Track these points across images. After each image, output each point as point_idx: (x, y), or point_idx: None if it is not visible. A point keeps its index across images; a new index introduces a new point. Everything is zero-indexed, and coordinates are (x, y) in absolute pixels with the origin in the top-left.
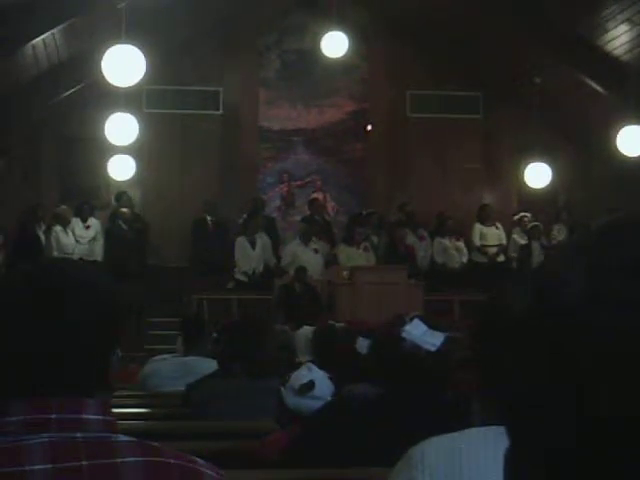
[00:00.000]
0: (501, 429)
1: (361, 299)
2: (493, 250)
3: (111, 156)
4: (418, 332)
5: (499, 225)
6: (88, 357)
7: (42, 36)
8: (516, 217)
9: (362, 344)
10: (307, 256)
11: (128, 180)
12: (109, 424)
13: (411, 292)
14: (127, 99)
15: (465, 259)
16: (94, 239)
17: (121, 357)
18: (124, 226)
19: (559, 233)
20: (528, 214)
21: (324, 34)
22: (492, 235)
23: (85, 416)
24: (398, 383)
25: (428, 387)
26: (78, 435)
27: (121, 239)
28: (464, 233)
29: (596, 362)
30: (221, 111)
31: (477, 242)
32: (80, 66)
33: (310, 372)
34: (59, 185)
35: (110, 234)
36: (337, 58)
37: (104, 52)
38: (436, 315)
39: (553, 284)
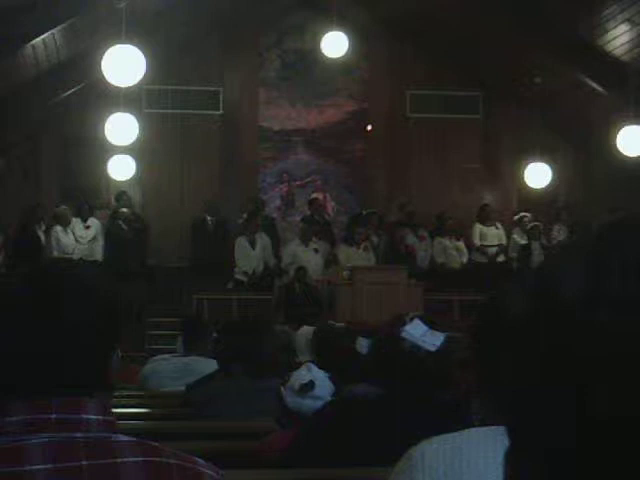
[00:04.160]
0: (501, 429)
1: (361, 299)
2: (493, 250)
3: (111, 156)
4: (418, 332)
5: (499, 225)
6: (88, 357)
7: (42, 36)
8: (516, 217)
9: (362, 344)
10: (307, 256)
11: (128, 180)
12: (109, 424)
13: (411, 292)
14: (127, 99)
15: (465, 259)
16: (94, 239)
17: (121, 357)
18: (124, 226)
19: (559, 233)
20: (528, 214)
21: (324, 34)
22: (492, 235)
23: (85, 416)
24: (398, 383)
25: (428, 387)
26: (78, 435)
27: (121, 239)
28: (464, 233)
29: (596, 362)
30: (221, 111)
31: (477, 242)
32: (80, 66)
33: (310, 372)
34: (59, 185)
35: (110, 234)
36: (337, 58)
37: (104, 52)
38: (436, 315)
39: (553, 284)
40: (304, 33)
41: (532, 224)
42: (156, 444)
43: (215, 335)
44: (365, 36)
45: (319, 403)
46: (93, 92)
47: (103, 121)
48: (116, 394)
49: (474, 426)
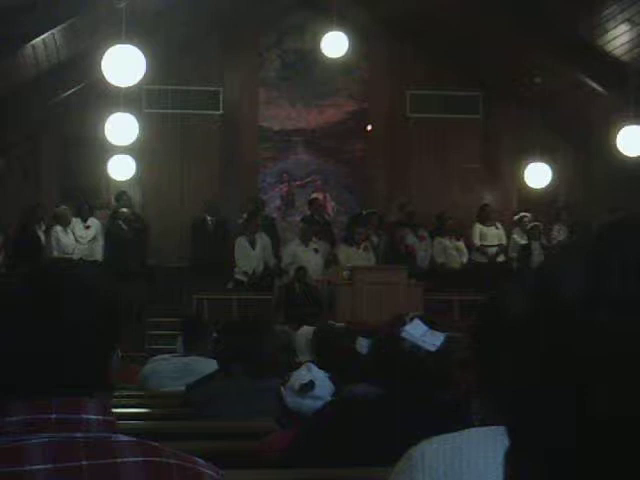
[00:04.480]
0: (501, 429)
1: (361, 299)
2: (493, 250)
3: (111, 156)
4: (418, 332)
5: (499, 225)
6: (88, 357)
7: (42, 36)
8: (516, 217)
9: (362, 344)
10: (307, 256)
11: (128, 180)
12: (109, 424)
13: (411, 292)
14: (127, 99)
15: (465, 259)
16: (94, 239)
17: (121, 357)
18: (124, 226)
19: (559, 233)
20: (528, 214)
21: (324, 34)
22: (492, 235)
23: (85, 416)
24: (398, 383)
25: (428, 387)
26: (78, 435)
27: (121, 239)
28: (464, 233)
29: (596, 362)
30: (221, 111)
31: (477, 242)
32: (80, 66)
33: (310, 372)
34: (59, 185)
35: (110, 234)
36: (337, 58)
37: (104, 52)
38: (436, 315)
39: (553, 284)
40: (304, 33)
41: (532, 224)
42: (156, 444)
43: (215, 335)
44: (365, 36)
45: (319, 403)
46: (93, 92)
47: (103, 121)
48: (116, 394)
49: (474, 426)
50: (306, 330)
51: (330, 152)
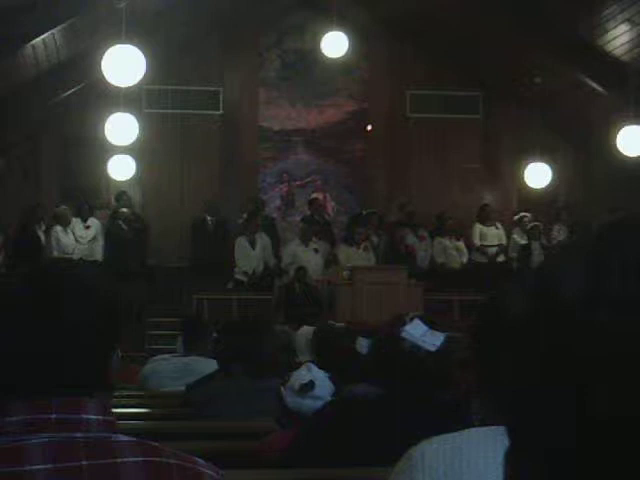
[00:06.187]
0: (501, 429)
1: (361, 299)
2: (493, 250)
3: (111, 156)
4: (418, 332)
5: (499, 225)
6: (88, 357)
7: (42, 36)
8: (516, 217)
9: (362, 344)
10: (307, 256)
11: (128, 180)
12: (109, 424)
13: (411, 292)
14: (127, 99)
15: (465, 259)
16: (94, 239)
17: (121, 357)
18: (124, 226)
19: (559, 233)
20: (528, 214)
21: (324, 34)
22: (492, 235)
23: (85, 416)
24: (398, 383)
25: (428, 387)
26: (78, 435)
27: (121, 239)
28: (464, 233)
29: (596, 362)
30: (221, 111)
31: (477, 242)
32: (80, 66)
33: (310, 372)
34: (59, 185)
35: (110, 234)
36: (337, 58)
37: (104, 52)
38: (436, 315)
39: (553, 284)
40: (304, 33)
41: (532, 224)
42: (156, 444)
43: (215, 335)
44: (365, 36)
45: (319, 403)
46: (93, 92)
47: (103, 121)
48: (116, 394)
49: (474, 426)
50: (306, 330)
51: (330, 152)
